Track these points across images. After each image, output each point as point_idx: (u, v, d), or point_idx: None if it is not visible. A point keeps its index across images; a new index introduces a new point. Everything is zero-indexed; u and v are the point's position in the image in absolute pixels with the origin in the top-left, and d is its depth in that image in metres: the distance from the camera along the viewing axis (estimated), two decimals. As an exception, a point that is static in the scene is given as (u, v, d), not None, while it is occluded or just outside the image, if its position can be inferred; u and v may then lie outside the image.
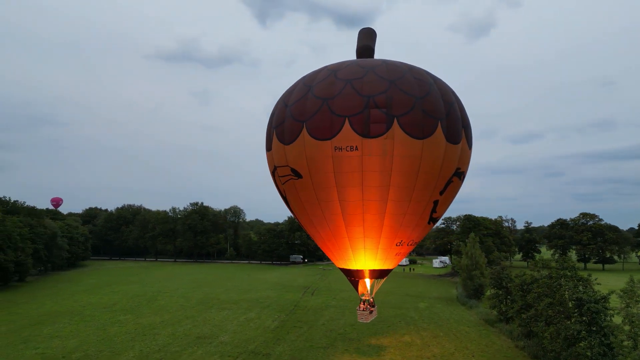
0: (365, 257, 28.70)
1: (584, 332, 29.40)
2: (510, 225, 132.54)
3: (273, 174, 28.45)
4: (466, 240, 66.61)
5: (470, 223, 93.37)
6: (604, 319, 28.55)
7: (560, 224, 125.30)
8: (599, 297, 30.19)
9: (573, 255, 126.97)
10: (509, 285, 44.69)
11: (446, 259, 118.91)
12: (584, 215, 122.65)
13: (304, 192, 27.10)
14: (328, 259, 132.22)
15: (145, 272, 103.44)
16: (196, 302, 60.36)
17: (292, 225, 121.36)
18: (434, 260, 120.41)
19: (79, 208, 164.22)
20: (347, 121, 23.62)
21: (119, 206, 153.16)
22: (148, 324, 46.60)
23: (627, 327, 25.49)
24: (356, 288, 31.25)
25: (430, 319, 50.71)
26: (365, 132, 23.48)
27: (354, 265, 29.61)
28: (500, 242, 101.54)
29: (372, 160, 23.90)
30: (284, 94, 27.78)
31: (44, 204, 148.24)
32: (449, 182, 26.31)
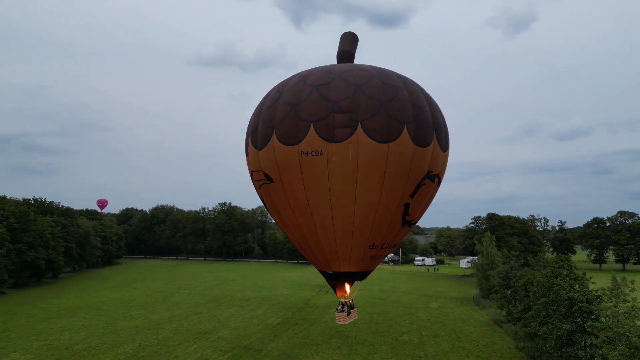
0: (339, 260, 29.14)
1: (577, 333, 28.45)
2: (542, 224, 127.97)
3: (251, 178, 29.53)
4: (482, 239, 64.99)
5: (493, 222, 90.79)
6: (591, 319, 27.48)
7: (597, 223, 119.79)
8: (591, 297, 29.06)
9: (610, 255, 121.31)
10: (514, 284, 43.42)
11: (475, 259, 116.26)
12: (622, 213, 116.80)
13: (276, 196, 28.05)
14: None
15: (173, 270, 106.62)
16: (210, 299, 61.81)
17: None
18: (461, 260, 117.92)
19: (118, 209, 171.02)
20: (312, 126, 24.36)
21: (153, 207, 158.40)
22: (157, 319, 48.21)
23: (609, 330, 24.30)
24: (335, 290, 31.76)
25: (437, 318, 49.90)
26: (330, 137, 24.10)
27: (329, 268, 30.07)
28: (528, 242, 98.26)
29: (337, 164, 24.50)
30: (260, 101, 29.01)
31: (92, 205, 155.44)
32: (420, 185, 26.55)
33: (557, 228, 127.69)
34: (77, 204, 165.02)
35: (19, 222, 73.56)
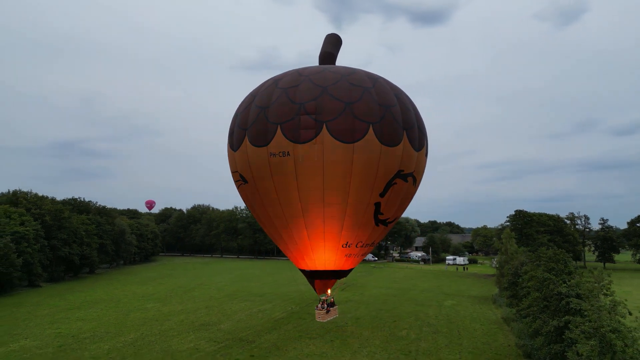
0: (315, 259, 29.56)
1: (567, 330, 27.27)
2: (583, 222, 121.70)
3: (233, 178, 30.54)
4: (501, 235, 62.92)
5: (522, 220, 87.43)
6: (581, 314, 26.19)
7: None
8: (581, 292, 27.73)
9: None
10: (520, 281, 41.95)
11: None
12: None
13: (252, 196, 28.92)
14: (383, 258, 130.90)
15: (203, 267, 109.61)
16: (226, 294, 63.25)
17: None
18: (493, 260, 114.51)
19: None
20: (279, 128, 25.09)
21: (190, 207, 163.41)
22: (168, 311, 49.95)
23: (587, 324, 23.04)
24: (314, 288, 32.15)
25: (446, 316, 48.88)
26: (296, 138, 24.76)
27: (307, 266, 30.48)
28: (562, 240, 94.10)
29: (304, 165, 25.09)
30: (239, 105, 30.12)
31: (141, 206, 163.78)
32: (391, 184, 26.52)
33: (599, 226, 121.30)
34: (131, 205, 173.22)
35: (54, 220, 78.07)
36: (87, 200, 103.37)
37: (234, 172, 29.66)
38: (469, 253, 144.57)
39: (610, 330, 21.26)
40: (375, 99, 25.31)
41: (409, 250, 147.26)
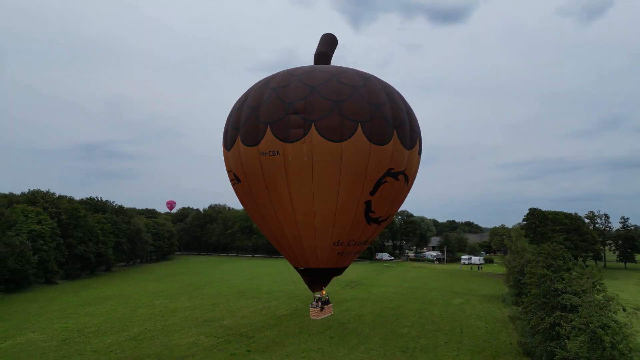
0: (308, 257, 29.73)
1: (561, 329, 26.79)
2: (603, 221, 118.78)
3: (228, 177, 30.97)
4: (510, 234, 61.92)
5: (535, 218, 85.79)
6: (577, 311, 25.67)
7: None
8: (579, 290, 27.18)
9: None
10: (522, 278, 41.26)
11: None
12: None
13: (245, 195, 29.30)
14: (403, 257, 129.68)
15: (217, 265, 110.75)
16: (235, 291, 63.80)
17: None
18: (503, 258, 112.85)
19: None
20: (269, 127, 25.47)
21: (206, 207, 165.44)
22: (175, 307, 50.70)
23: (576, 320, 22.54)
24: (309, 286, 32.33)
25: (451, 314, 48.38)
26: (285, 137, 25.07)
27: (300, 265, 30.67)
28: (580, 240, 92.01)
29: (293, 164, 25.39)
30: (233, 106, 30.63)
31: (162, 206, 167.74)
32: (381, 182, 26.59)
33: (620, 226, 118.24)
34: (154, 205, 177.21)
35: (71, 219, 79.98)
36: (104, 200, 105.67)
37: (228, 172, 30.17)
38: (486, 253, 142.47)
39: (600, 326, 20.80)
40: (365, 98, 25.44)
41: (424, 250, 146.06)
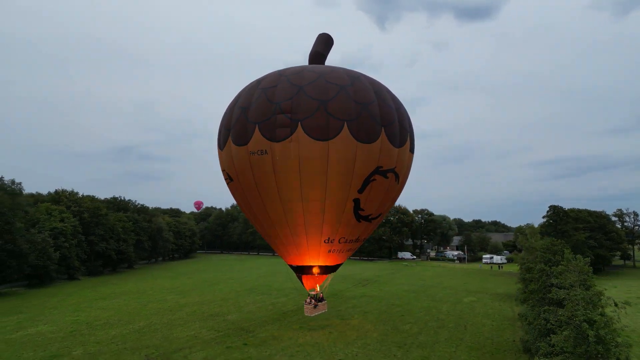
0: (300, 255, 29.98)
1: (553, 323, 26.14)
2: (632, 219, 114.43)
3: (223, 175, 31.49)
4: (525, 231, 60.44)
5: (556, 216, 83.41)
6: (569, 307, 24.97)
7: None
8: (567, 284, 26.42)
9: None
10: (527, 276, 40.34)
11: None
12: None
13: (237, 193, 29.73)
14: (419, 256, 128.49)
15: (236, 263, 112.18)
16: (247, 288, 64.50)
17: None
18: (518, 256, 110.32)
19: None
20: (257, 127, 25.91)
21: (229, 206, 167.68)
22: (185, 302, 51.66)
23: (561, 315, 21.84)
24: (302, 283, 32.57)
25: (459, 312, 47.64)
26: (273, 137, 25.52)
27: (294, 262, 30.92)
28: (604, 238, 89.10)
29: (281, 162, 25.75)
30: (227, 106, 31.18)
31: (188, 206, 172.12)
32: (369, 181, 26.55)
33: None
34: (181, 205, 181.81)
35: (92, 217, 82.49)
36: (127, 199, 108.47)
37: (222, 171, 30.58)
38: (510, 252, 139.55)
39: (585, 321, 20.18)
40: (351, 97, 25.40)
41: (445, 249, 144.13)
